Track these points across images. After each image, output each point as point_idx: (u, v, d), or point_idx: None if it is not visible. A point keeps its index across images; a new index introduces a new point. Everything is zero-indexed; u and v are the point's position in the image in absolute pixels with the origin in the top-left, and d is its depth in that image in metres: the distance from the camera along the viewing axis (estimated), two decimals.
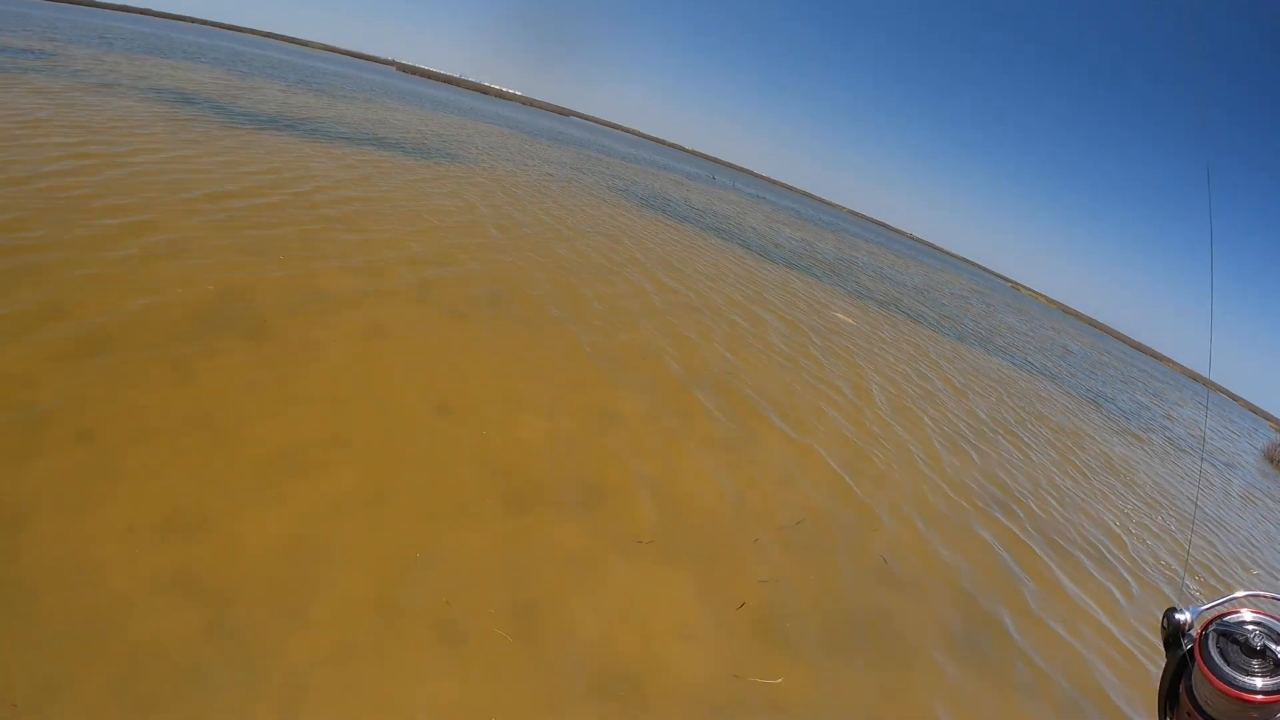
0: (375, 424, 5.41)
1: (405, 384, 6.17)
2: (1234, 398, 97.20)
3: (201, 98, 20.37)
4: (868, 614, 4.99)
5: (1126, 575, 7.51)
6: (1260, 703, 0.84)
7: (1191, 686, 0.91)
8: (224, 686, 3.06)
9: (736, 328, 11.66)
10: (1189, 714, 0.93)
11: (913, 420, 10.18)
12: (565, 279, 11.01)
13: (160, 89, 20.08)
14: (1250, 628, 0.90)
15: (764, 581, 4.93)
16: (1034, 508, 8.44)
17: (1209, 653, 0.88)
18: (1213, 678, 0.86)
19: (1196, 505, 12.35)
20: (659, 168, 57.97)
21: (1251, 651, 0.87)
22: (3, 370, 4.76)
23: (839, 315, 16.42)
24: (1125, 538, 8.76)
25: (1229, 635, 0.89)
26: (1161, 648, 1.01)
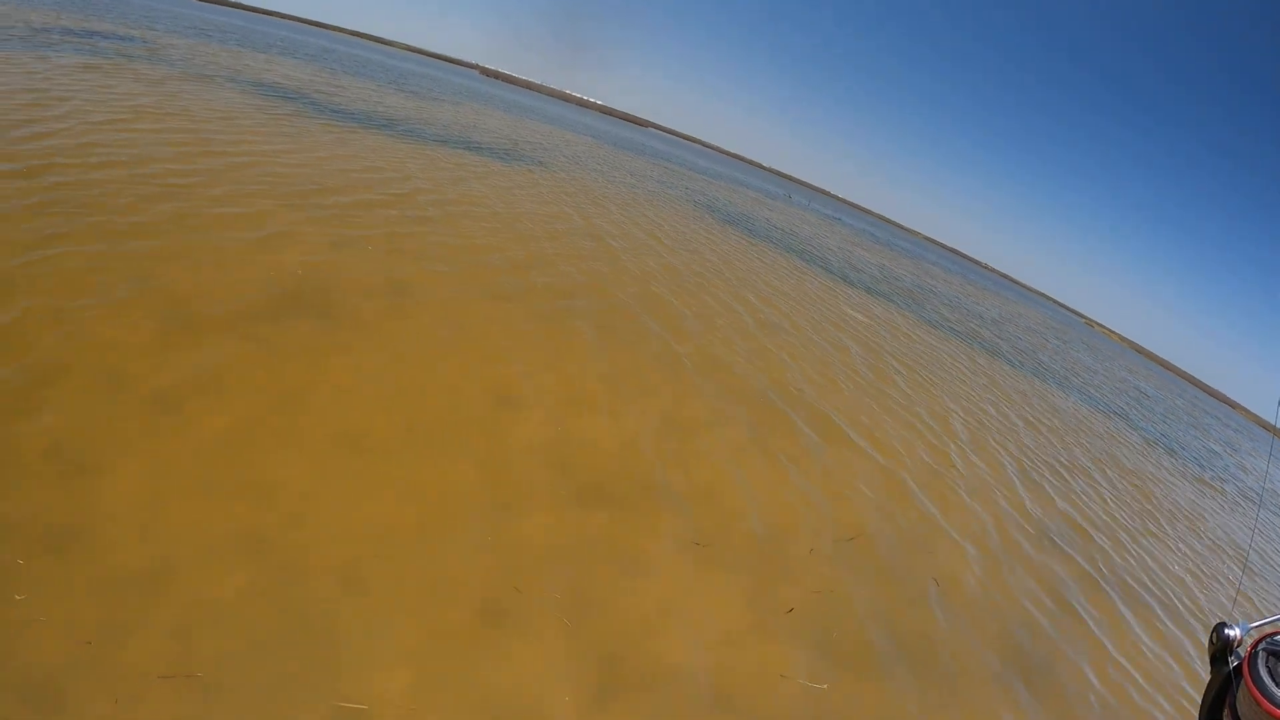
0: (446, 413, 5.54)
1: (478, 378, 6.30)
2: None
3: (297, 92, 21.35)
4: (913, 634, 4.97)
5: (1193, 622, 7.29)
6: None
7: (1235, 704, 0.85)
8: (282, 650, 3.16)
9: (813, 346, 11.71)
10: None
11: (987, 452, 10.06)
12: (650, 289, 11.18)
13: (258, 82, 21.14)
14: None
15: (816, 591, 4.97)
16: (1099, 548, 8.23)
17: (1258, 671, 0.81)
18: (1260, 698, 0.79)
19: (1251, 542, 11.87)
20: (738, 184, 57.92)
21: None
22: (100, 336, 5.06)
23: (917, 342, 16.25)
24: (1190, 583, 8.50)
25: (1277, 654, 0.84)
26: (1208, 662, 0.96)
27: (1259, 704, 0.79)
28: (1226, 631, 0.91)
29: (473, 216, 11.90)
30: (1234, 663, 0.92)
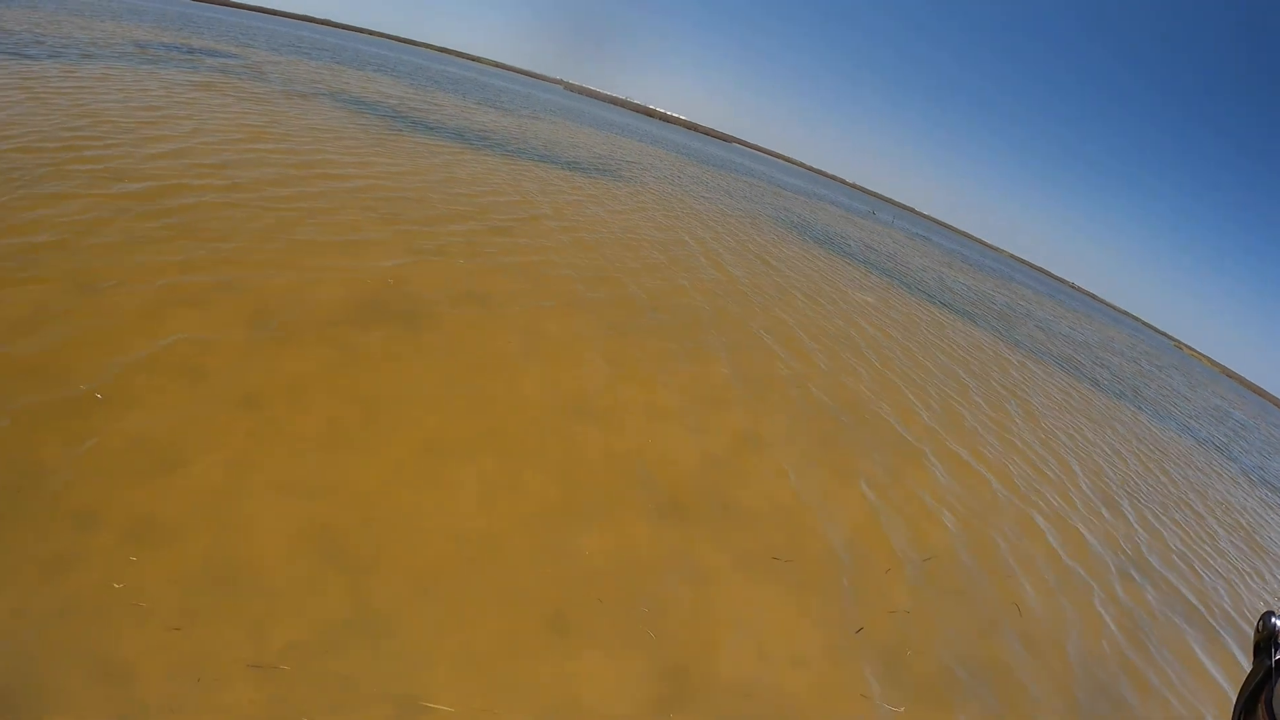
0: (524, 422, 5.61)
1: (552, 384, 6.39)
2: None
3: (396, 110, 22.09)
4: (989, 661, 4.88)
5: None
6: None
7: (1271, 701, 0.77)
8: (354, 648, 3.23)
9: (910, 367, 11.48)
10: None
11: (1076, 475, 9.64)
12: (731, 305, 11.17)
13: (360, 100, 22.05)
14: None
15: (891, 612, 4.93)
16: (1205, 585, 7.86)
17: None
18: None
19: None
20: (823, 200, 57.30)
21: None
22: (191, 335, 5.30)
23: (1014, 370, 15.84)
24: None
25: None
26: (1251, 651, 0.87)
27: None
28: (1274, 621, 0.82)
29: (560, 228, 12.15)
30: (1277, 656, 0.82)
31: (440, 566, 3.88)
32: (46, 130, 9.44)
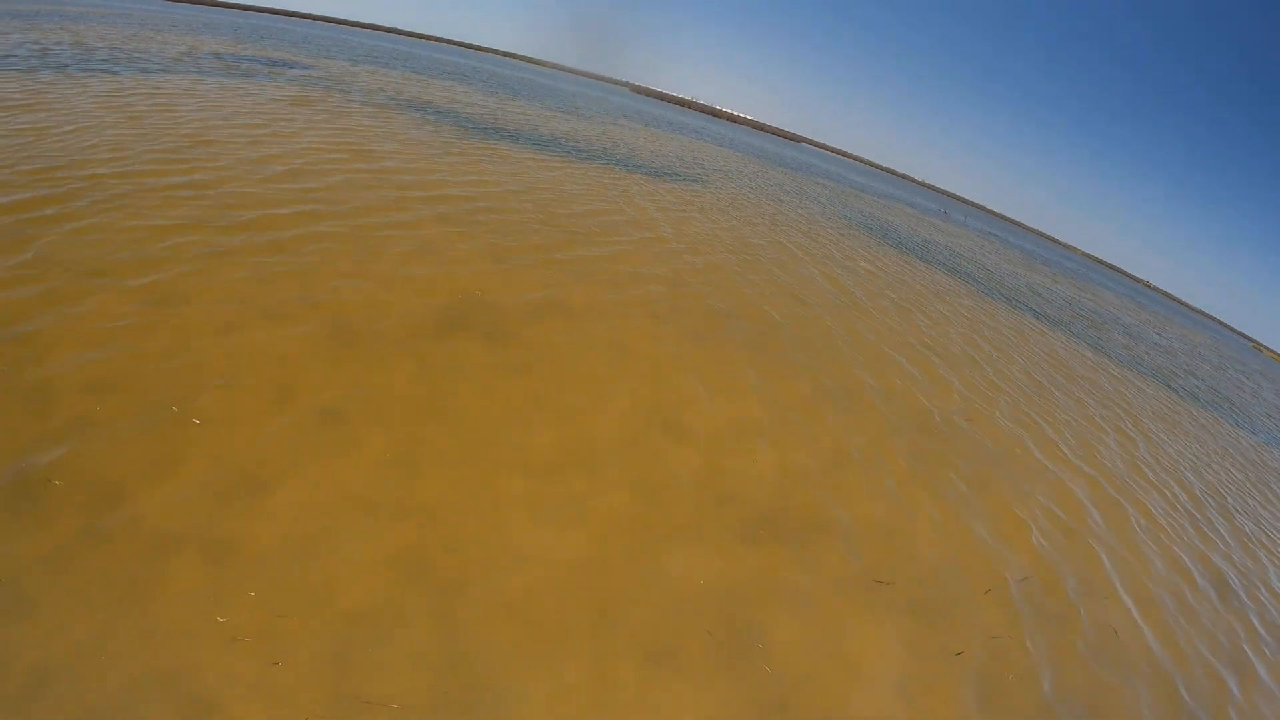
0: (609, 438, 5.50)
1: (640, 400, 6.27)
2: None
3: (488, 122, 22.25)
4: (1091, 688, 4.82)
5: None
6: None
7: None
8: (443, 672, 3.21)
9: (1000, 378, 11.36)
10: None
11: (1176, 494, 9.49)
12: (819, 313, 11.09)
13: (449, 113, 22.17)
14: None
15: (995, 637, 4.86)
16: None
17: None
18: None
19: None
20: (896, 200, 55.52)
21: None
22: (269, 350, 5.35)
23: (1104, 376, 15.44)
24: None
25: None
26: None
27: None
28: None
29: (649, 238, 12.27)
30: None
31: (530, 591, 3.80)
32: (158, 151, 9.85)
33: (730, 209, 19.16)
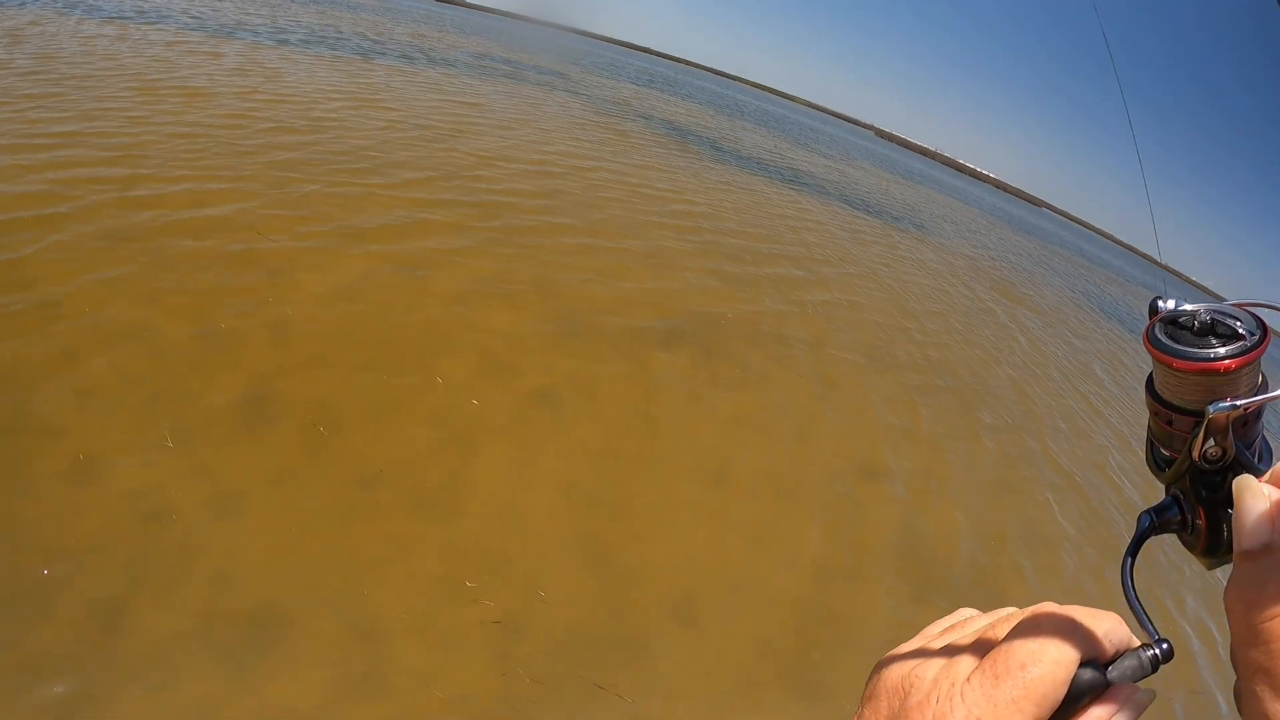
0: (802, 469, 5.27)
1: (839, 440, 5.92)
2: None
3: (785, 168, 22.55)
4: None
5: None
6: (1225, 370, 0.61)
7: (1152, 385, 0.67)
8: (602, 654, 3.16)
9: None
10: (1155, 414, 0.68)
11: None
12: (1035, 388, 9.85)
13: (755, 160, 22.36)
14: (1197, 311, 0.65)
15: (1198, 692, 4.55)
16: None
17: (1157, 338, 0.64)
18: (1166, 358, 0.62)
19: None
20: (1127, 279, 49.61)
21: (1203, 330, 0.64)
22: (507, 332, 5.54)
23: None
24: None
25: (1175, 322, 0.65)
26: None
27: (1170, 366, 0.63)
28: (1159, 303, 0.69)
29: (885, 298, 11.39)
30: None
31: (700, 598, 3.73)
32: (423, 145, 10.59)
33: (966, 271, 17.73)
